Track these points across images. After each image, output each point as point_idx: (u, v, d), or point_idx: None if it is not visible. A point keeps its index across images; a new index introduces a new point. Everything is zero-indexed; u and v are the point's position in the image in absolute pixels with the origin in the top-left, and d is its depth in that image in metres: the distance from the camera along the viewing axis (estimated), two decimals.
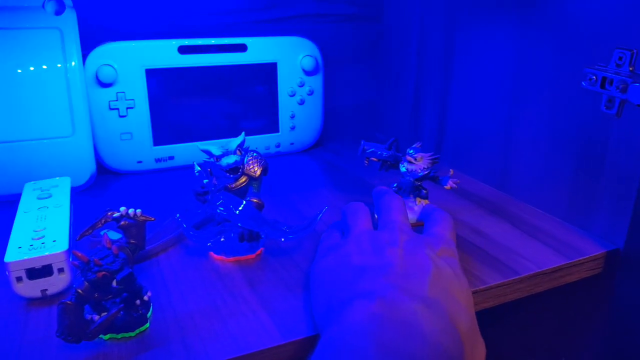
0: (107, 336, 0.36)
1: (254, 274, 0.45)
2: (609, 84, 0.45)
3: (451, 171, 0.52)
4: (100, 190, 0.64)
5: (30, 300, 0.40)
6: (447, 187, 0.51)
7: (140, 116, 0.68)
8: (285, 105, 0.77)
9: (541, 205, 0.57)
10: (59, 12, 0.61)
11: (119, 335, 0.36)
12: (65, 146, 0.62)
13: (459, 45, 0.67)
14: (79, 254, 0.34)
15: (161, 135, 0.70)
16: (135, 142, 0.69)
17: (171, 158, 0.71)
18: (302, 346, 0.37)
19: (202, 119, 0.72)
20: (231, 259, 0.47)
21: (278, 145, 0.78)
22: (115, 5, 0.69)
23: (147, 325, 0.37)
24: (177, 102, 0.70)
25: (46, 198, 0.50)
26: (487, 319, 0.57)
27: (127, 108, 0.67)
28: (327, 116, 0.81)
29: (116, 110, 0.67)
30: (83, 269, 0.34)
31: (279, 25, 0.77)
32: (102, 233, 0.47)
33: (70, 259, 0.37)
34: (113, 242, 0.35)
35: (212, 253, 0.48)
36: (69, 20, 0.61)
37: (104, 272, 0.33)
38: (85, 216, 0.51)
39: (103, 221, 0.37)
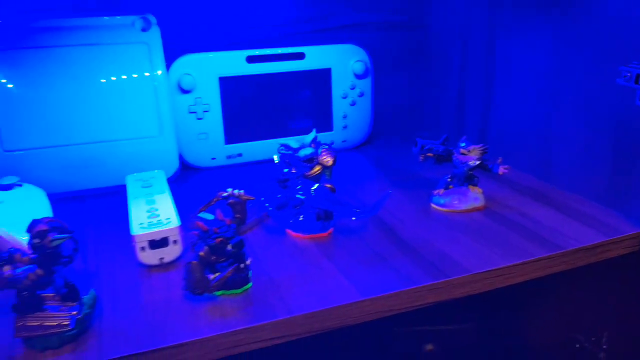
0: (219, 292, 0.44)
1: (328, 249, 0.53)
2: None
3: (500, 159, 0.59)
4: (183, 182, 0.73)
5: (150, 267, 0.49)
6: (500, 172, 0.58)
7: (214, 118, 0.77)
8: (338, 106, 0.84)
9: (581, 192, 0.63)
10: (145, 29, 0.70)
11: (229, 292, 0.44)
12: (154, 144, 0.71)
13: (500, 47, 0.74)
14: (201, 224, 0.42)
15: (232, 135, 0.79)
16: (209, 141, 0.77)
17: (240, 155, 0.80)
18: (377, 302, 0.44)
19: (266, 120, 0.80)
20: (307, 236, 0.55)
21: (331, 143, 0.85)
22: (192, 22, 0.78)
23: (250, 284, 0.45)
24: (245, 105, 0.78)
25: (149, 187, 0.59)
26: (532, 291, 0.63)
27: (204, 111, 0.76)
28: (375, 116, 0.89)
29: (194, 114, 0.76)
30: (203, 237, 0.42)
31: (333, 34, 0.86)
32: (198, 215, 0.56)
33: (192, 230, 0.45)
34: (208, 221, 0.43)
35: (290, 231, 0.56)
36: (155, 36, 0.70)
37: (221, 238, 0.41)
38: (178, 201, 0.60)
39: (215, 199, 0.45)
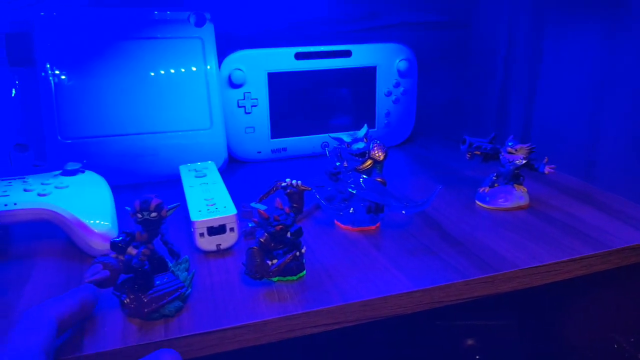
0: (276, 278, 0.46)
1: (377, 241, 0.54)
2: None
3: (546, 158, 0.60)
4: (230, 174, 0.75)
5: (207, 253, 0.51)
6: (546, 172, 0.59)
7: (262, 113, 0.79)
8: (382, 103, 0.86)
9: (626, 194, 0.63)
10: (200, 24, 0.73)
11: (285, 278, 0.46)
12: (204, 137, 0.73)
13: (546, 46, 0.74)
14: (262, 211, 0.44)
15: (277, 130, 0.81)
16: (256, 135, 0.80)
17: (284, 149, 0.82)
18: (429, 293, 0.45)
19: (310, 116, 0.82)
20: (356, 228, 0.56)
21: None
22: (244, 19, 0.80)
23: (304, 272, 0.47)
24: (291, 101, 0.81)
25: (203, 177, 0.62)
26: (572, 290, 0.64)
27: (252, 106, 0.78)
28: (417, 114, 0.90)
29: (243, 108, 0.78)
30: (263, 224, 0.44)
31: (379, 33, 0.87)
32: (251, 205, 0.58)
33: (244, 216, 0.47)
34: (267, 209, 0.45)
35: (338, 223, 0.57)
36: (208, 31, 0.73)
37: (281, 226, 0.43)
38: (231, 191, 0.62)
39: (274, 189, 0.48)
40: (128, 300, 0.40)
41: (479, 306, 0.67)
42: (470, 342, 0.64)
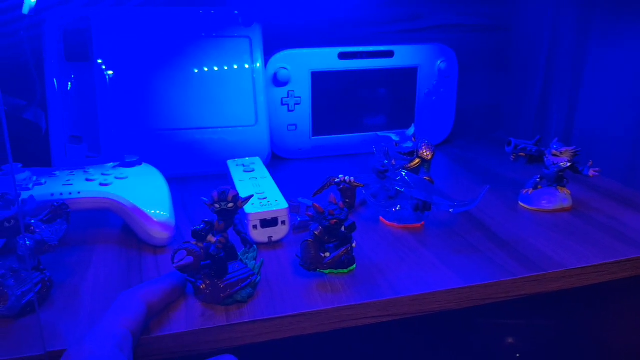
0: (328, 270, 0.47)
1: (423, 239, 0.55)
2: None
3: (590, 162, 0.60)
4: (273, 170, 0.77)
5: (259, 245, 0.53)
6: (590, 175, 0.59)
7: (304, 111, 0.81)
8: (422, 104, 0.87)
9: None
10: (248, 24, 0.74)
11: (337, 271, 0.47)
12: (250, 133, 0.75)
13: (590, 49, 0.74)
14: (317, 206, 0.46)
15: (319, 128, 0.82)
16: (298, 132, 0.81)
17: (325, 147, 0.84)
18: (477, 290, 0.46)
19: (351, 115, 0.84)
20: (401, 225, 0.58)
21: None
22: (289, 20, 0.82)
23: (355, 265, 0.48)
24: (333, 100, 0.82)
25: (251, 172, 0.64)
26: (613, 293, 0.64)
27: (295, 104, 0.80)
28: (455, 115, 0.90)
29: (286, 106, 0.80)
30: (318, 218, 0.46)
31: (421, 34, 0.88)
32: (299, 199, 0.59)
33: (306, 211, 0.49)
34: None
35: (384, 220, 0.59)
36: (256, 31, 0.75)
37: (336, 220, 0.45)
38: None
39: (328, 185, 0.49)
40: (204, 285, 0.42)
41: (520, 305, 0.67)
42: (510, 340, 0.65)
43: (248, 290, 0.43)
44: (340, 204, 0.47)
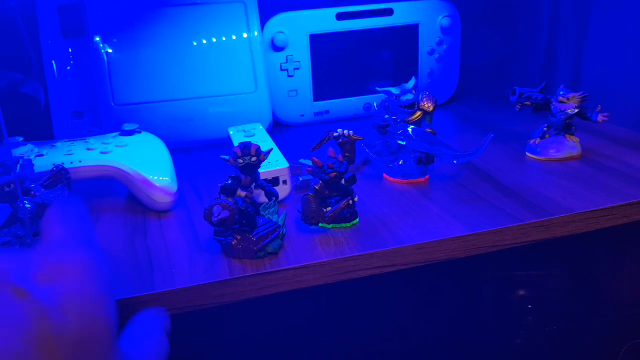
0: (331, 225, 0.47)
1: (428, 192, 0.55)
2: None
3: (599, 107, 0.59)
4: (275, 136, 0.76)
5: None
6: (599, 120, 0.58)
7: (304, 75, 0.80)
8: (425, 62, 0.85)
9: None
10: None
11: (339, 225, 0.47)
12: (249, 100, 0.74)
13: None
14: (316, 160, 0.45)
15: (320, 92, 0.81)
16: (299, 98, 0.80)
17: (327, 112, 0.83)
18: (483, 237, 0.46)
19: (353, 77, 0.82)
20: (405, 180, 0.57)
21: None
22: None
23: (358, 219, 0.48)
24: (333, 63, 0.81)
25: (252, 136, 0.63)
26: (625, 243, 0.63)
27: (294, 69, 0.79)
28: (460, 73, 0.89)
29: (285, 71, 0.79)
30: (317, 172, 0.45)
31: None
32: (300, 161, 0.59)
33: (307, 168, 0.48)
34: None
35: (387, 177, 0.58)
36: None
37: (335, 173, 0.44)
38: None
39: (327, 139, 0.48)
40: (235, 241, 0.42)
41: (531, 256, 0.67)
42: (522, 292, 0.65)
43: (278, 241, 0.43)
44: (340, 157, 0.46)
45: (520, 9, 0.89)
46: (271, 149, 0.44)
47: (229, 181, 0.43)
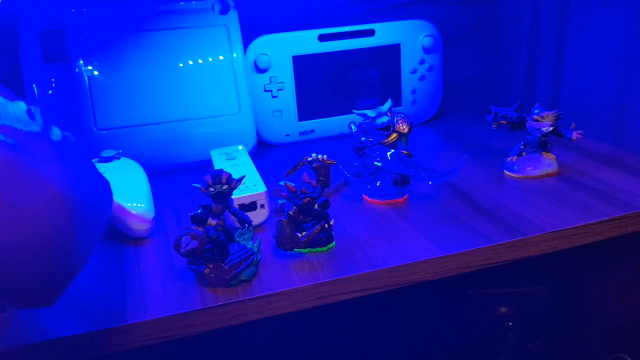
0: (307, 250, 0.47)
1: (405, 213, 0.55)
2: None
3: (573, 124, 0.59)
4: (260, 157, 0.77)
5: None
6: (573, 138, 0.58)
7: (288, 96, 0.80)
8: (407, 81, 0.86)
9: None
10: (224, 12, 0.74)
11: (315, 249, 0.47)
12: (233, 122, 0.75)
13: (573, 15, 0.73)
14: (289, 185, 0.46)
15: (305, 112, 0.82)
16: (284, 118, 0.81)
17: (312, 131, 0.83)
18: (456, 259, 0.46)
19: (337, 97, 0.83)
20: (383, 202, 0.57)
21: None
22: (267, 4, 0.82)
23: (334, 243, 0.48)
24: (317, 83, 0.82)
25: (233, 159, 0.64)
26: (606, 255, 0.63)
27: (278, 90, 0.80)
28: (444, 91, 0.89)
29: (269, 92, 0.79)
30: (291, 197, 0.46)
31: (402, 10, 0.87)
32: (280, 183, 0.59)
33: (276, 193, 0.49)
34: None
35: (366, 197, 0.58)
36: (233, 18, 0.74)
37: (309, 198, 0.45)
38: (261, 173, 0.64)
39: (301, 164, 0.49)
40: (208, 270, 0.42)
41: (512, 273, 0.67)
42: (503, 309, 0.65)
43: (251, 268, 0.44)
44: (313, 182, 0.47)
45: (501, 27, 0.91)
46: (243, 176, 0.44)
47: (199, 210, 0.43)
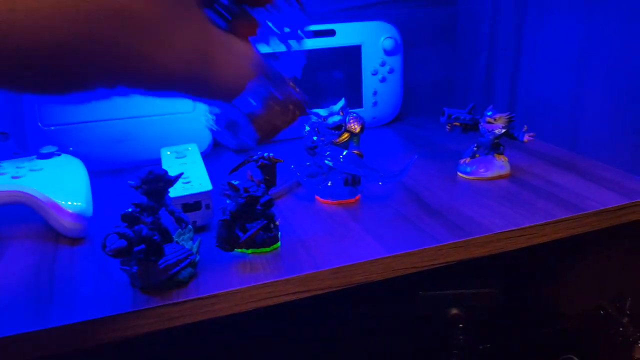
0: (250, 250, 0.46)
1: (356, 213, 0.54)
2: None
3: (525, 127, 0.59)
4: (215, 157, 0.75)
5: None
6: (525, 140, 0.58)
7: None
8: (368, 82, 0.85)
9: (608, 161, 0.63)
10: None
11: (259, 250, 0.46)
12: (187, 120, 0.73)
13: (529, 21, 0.73)
14: (232, 184, 0.44)
15: None
16: None
17: None
18: (401, 259, 0.45)
19: None
20: (335, 202, 0.56)
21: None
22: None
23: (279, 244, 0.47)
24: None
25: (182, 157, 0.62)
26: (558, 256, 0.63)
27: None
28: (405, 93, 0.89)
29: None
30: (234, 196, 0.44)
31: (364, 11, 0.86)
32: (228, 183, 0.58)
33: (221, 193, 0.47)
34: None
35: (318, 198, 0.57)
36: None
37: (250, 197, 0.43)
38: (210, 174, 0.62)
39: (246, 162, 0.48)
40: (141, 271, 0.40)
41: (463, 275, 0.66)
42: (454, 311, 0.64)
43: (189, 270, 0.42)
44: (258, 181, 0.45)
45: (461, 30, 0.91)
46: (181, 174, 0.43)
47: (130, 209, 0.41)
